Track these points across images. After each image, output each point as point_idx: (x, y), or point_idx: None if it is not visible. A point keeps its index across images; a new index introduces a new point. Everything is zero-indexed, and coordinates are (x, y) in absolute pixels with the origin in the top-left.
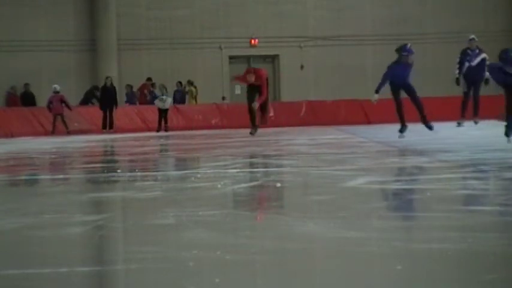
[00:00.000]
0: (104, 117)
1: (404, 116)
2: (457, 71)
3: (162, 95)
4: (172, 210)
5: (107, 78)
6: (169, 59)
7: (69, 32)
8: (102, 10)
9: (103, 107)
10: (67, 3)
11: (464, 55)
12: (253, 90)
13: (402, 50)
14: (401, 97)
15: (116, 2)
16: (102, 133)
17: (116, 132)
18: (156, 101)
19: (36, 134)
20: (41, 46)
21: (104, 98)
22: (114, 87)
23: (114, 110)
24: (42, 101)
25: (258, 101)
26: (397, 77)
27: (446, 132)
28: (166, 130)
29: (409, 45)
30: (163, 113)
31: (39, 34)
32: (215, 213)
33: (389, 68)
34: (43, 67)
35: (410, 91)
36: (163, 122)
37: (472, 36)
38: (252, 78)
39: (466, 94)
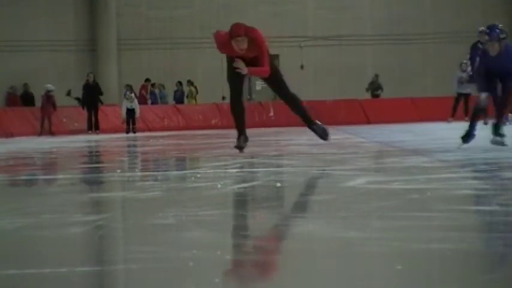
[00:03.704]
0: (88, 118)
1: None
2: (470, 68)
3: (131, 93)
4: (172, 210)
5: (88, 74)
6: (169, 59)
7: (69, 32)
8: (102, 10)
9: (86, 107)
10: (67, 3)
11: (475, 49)
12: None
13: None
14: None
15: (116, 2)
16: (88, 134)
17: (100, 133)
18: (124, 100)
19: (36, 134)
20: (41, 46)
21: (86, 96)
22: (97, 84)
23: (98, 109)
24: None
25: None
26: (489, 62)
27: (446, 132)
28: (134, 132)
29: (498, 26)
30: (130, 113)
31: (39, 34)
32: (215, 213)
33: (480, 57)
34: (43, 67)
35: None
36: (131, 123)
37: (482, 28)
38: (243, 45)
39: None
